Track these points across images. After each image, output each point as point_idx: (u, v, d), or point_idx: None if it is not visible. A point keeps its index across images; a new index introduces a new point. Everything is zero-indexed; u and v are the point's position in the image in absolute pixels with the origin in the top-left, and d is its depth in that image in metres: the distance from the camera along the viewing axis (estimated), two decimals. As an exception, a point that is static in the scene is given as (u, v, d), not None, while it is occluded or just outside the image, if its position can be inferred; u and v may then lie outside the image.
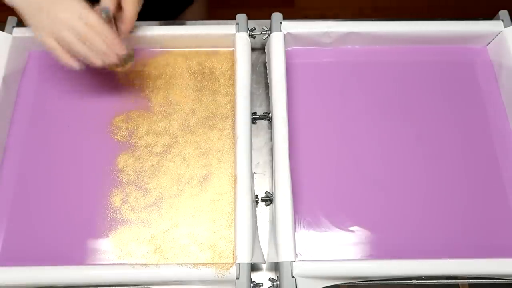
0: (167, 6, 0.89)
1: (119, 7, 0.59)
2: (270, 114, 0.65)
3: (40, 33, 0.56)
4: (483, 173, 0.63)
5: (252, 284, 0.54)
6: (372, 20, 0.69)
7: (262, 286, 0.56)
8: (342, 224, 0.60)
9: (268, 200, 0.62)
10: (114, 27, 0.59)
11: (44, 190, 0.61)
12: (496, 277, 0.54)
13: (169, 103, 0.67)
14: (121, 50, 0.57)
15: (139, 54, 0.70)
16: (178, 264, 0.54)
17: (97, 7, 0.58)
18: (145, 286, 0.54)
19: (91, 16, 0.54)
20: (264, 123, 0.68)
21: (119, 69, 0.64)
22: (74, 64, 0.57)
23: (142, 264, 0.54)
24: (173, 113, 0.67)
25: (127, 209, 0.60)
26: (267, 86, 0.70)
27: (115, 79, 0.69)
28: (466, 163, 0.64)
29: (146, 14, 0.64)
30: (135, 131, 0.65)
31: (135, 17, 0.60)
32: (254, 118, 0.66)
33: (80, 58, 0.57)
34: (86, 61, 0.57)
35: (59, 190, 0.61)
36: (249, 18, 0.69)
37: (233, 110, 0.65)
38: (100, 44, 0.55)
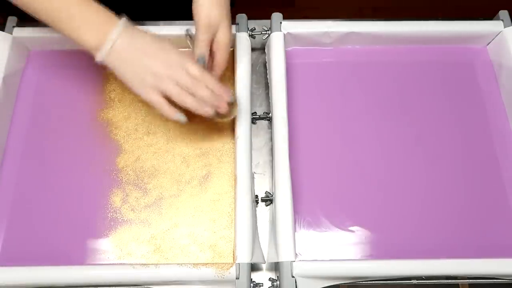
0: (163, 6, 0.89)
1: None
2: (270, 114, 0.65)
3: (144, 89, 0.53)
4: (483, 173, 0.63)
5: (252, 284, 0.54)
6: (372, 20, 0.69)
7: (262, 286, 0.56)
8: (342, 224, 0.60)
9: (268, 200, 0.62)
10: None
11: (44, 190, 0.61)
12: (496, 277, 0.54)
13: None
14: (229, 97, 0.56)
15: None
16: (178, 264, 0.54)
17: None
18: (145, 286, 0.54)
19: (192, 67, 0.53)
20: (264, 123, 0.68)
21: (225, 119, 0.59)
22: (181, 118, 0.55)
23: (142, 264, 0.54)
24: (173, 113, 0.66)
25: (127, 209, 0.60)
26: (267, 86, 0.70)
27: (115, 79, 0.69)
28: (466, 163, 0.64)
29: (142, 13, 0.63)
30: (135, 131, 0.65)
31: (227, 62, 0.59)
32: (254, 118, 0.66)
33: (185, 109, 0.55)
34: (196, 112, 0.55)
35: (59, 190, 0.61)
36: (249, 18, 0.69)
37: (233, 110, 0.65)
38: (208, 94, 0.54)
